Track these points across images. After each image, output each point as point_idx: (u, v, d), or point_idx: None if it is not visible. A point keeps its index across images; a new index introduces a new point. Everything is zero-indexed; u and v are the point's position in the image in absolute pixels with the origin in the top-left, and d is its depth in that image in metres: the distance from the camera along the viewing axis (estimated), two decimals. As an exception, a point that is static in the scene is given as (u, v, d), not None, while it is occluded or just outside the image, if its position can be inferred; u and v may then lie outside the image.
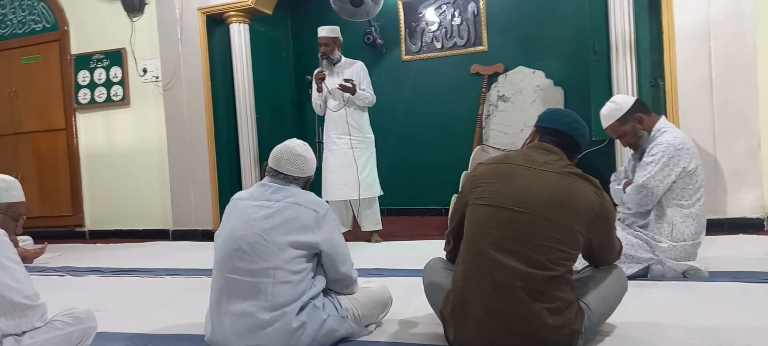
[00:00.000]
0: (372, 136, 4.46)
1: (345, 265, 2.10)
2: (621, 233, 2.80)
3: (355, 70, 4.33)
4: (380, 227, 4.44)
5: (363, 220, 4.40)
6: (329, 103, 4.36)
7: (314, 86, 4.35)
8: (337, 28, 4.38)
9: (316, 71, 4.34)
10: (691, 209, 2.72)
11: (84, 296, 3.20)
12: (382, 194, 4.50)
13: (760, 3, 3.74)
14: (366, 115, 4.43)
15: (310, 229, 1.97)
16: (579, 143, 1.90)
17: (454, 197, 1.91)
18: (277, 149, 2.11)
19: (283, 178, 2.06)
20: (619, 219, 2.93)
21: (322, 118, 4.48)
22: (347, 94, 4.22)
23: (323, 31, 4.33)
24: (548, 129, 1.90)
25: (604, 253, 1.92)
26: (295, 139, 2.17)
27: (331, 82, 4.31)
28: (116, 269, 3.90)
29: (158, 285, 3.42)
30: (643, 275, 2.75)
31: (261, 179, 2.15)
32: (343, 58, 4.40)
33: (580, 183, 1.77)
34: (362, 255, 3.78)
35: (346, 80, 4.22)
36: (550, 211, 1.70)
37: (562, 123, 1.89)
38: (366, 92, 4.32)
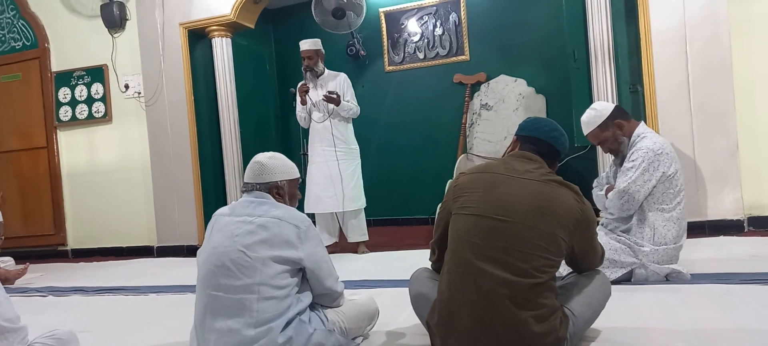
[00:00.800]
0: (357, 147, 4.46)
1: (329, 279, 2.09)
2: (604, 238, 2.83)
3: (338, 82, 4.34)
4: (367, 238, 4.43)
5: (349, 231, 4.40)
6: (314, 116, 4.36)
7: (298, 99, 4.35)
8: (319, 40, 4.39)
9: (299, 84, 4.35)
10: (672, 213, 2.75)
11: (67, 316, 3.15)
12: (365, 205, 4.50)
13: (734, 4, 3.82)
14: (351, 126, 4.44)
15: (293, 245, 1.95)
16: (559, 151, 1.93)
17: (439, 206, 1.92)
18: (252, 161, 2.14)
19: (251, 187, 2.07)
20: (601, 224, 2.96)
21: (306, 131, 4.48)
22: (332, 106, 4.23)
23: (305, 45, 4.34)
24: (528, 138, 1.93)
25: (587, 259, 1.94)
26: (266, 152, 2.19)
27: (315, 94, 4.32)
28: (100, 288, 3.85)
29: (143, 303, 3.38)
30: (626, 279, 2.77)
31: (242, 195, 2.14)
32: (327, 71, 4.41)
33: (561, 190, 1.80)
34: (349, 267, 3.77)
35: (330, 92, 4.22)
36: (532, 218, 1.72)
37: (541, 132, 1.91)
38: (350, 103, 4.32)
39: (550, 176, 1.83)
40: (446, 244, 1.86)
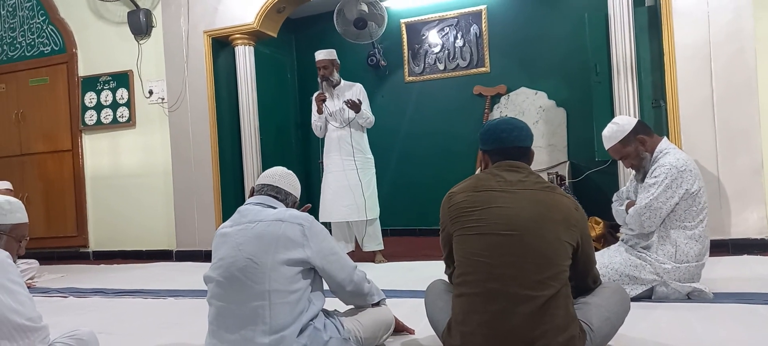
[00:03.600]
0: (372, 156, 4.47)
1: (342, 272, 2.04)
2: (624, 254, 2.81)
3: (354, 92, 4.37)
4: (382, 247, 4.43)
5: (365, 240, 4.40)
6: (330, 125, 4.39)
7: (314, 108, 4.38)
8: (334, 50, 4.42)
9: (316, 93, 4.38)
10: (695, 231, 2.71)
11: (87, 318, 3.20)
12: (379, 214, 4.50)
13: (760, 22, 3.77)
14: (366, 136, 4.45)
15: (299, 244, 1.93)
16: (530, 146, 1.89)
17: (440, 228, 1.89)
18: (267, 171, 2.19)
19: (273, 192, 2.08)
20: (622, 240, 2.92)
21: (323, 140, 4.50)
22: (350, 115, 4.25)
23: (320, 54, 4.37)
24: (498, 151, 1.87)
25: (589, 261, 1.89)
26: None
27: (332, 104, 4.35)
28: (120, 291, 3.90)
29: (161, 307, 3.42)
30: (647, 296, 2.73)
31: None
32: (343, 81, 4.43)
33: (554, 195, 1.78)
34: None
35: (346, 102, 4.25)
36: (535, 228, 1.70)
37: (506, 140, 1.86)
38: (367, 112, 4.34)
39: (541, 182, 1.82)
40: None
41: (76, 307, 3.55)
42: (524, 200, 1.74)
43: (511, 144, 1.86)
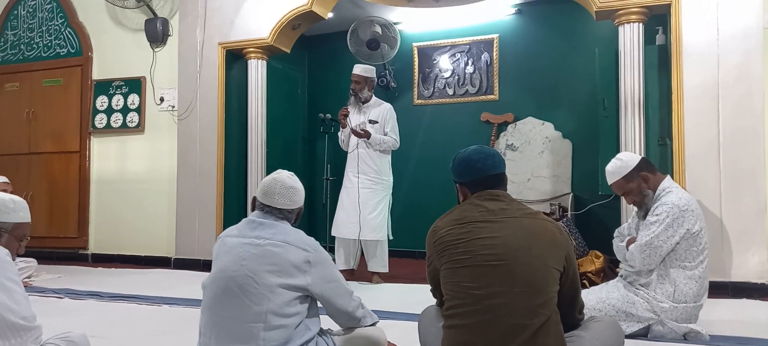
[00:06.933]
0: (390, 179, 4.48)
1: (341, 298, 2.02)
2: (622, 290, 2.79)
3: (381, 111, 4.41)
4: (386, 270, 4.42)
5: (370, 260, 4.40)
6: (350, 141, 4.43)
7: (341, 123, 4.45)
8: (373, 69, 4.52)
9: (341, 109, 4.44)
10: (695, 271, 2.69)
11: (81, 320, 3.20)
12: (390, 238, 4.49)
13: (768, 67, 3.78)
14: (388, 157, 4.47)
15: (301, 270, 1.90)
16: (504, 171, 1.88)
17: (426, 261, 1.87)
18: (267, 183, 2.04)
19: (276, 212, 2.00)
20: (620, 276, 2.91)
21: (333, 155, 4.54)
22: (356, 139, 4.30)
23: (358, 69, 4.45)
24: (474, 182, 1.86)
25: (575, 286, 1.85)
26: (282, 170, 2.10)
27: (357, 119, 4.39)
28: (115, 295, 3.90)
29: (156, 314, 3.42)
30: (643, 334, 2.71)
31: (252, 211, 2.08)
32: (373, 98, 4.48)
33: (538, 221, 1.77)
34: (361, 295, 3.74)
35: (371, 121, 4.29)
36: (522, 255, 1.68)
37: (481, 169, 1.85)
38: (388, 136, 4.37)
39: (523, 209, 1.80)
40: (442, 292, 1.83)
41: (71, 309, 3.55)
42: (509, 228, 1.73)
43: (487, 173, 1.85)
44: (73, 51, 5.82)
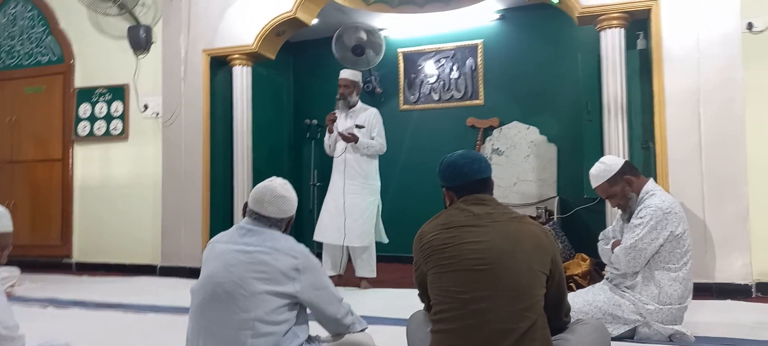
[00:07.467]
0: (377, 183, 4.48)
1: (330, 305, 2.01)
2: (608, 292, 2.81)
3: (368, 115, 4.41)
4: (374, 275, 4.41)
5: (357, 266, 4.39)
6: (337, 146, 4.42)
7: (328, 127, 4.43)
8: (360, 73, 4.53)
9: (329, 114, 4.42)
10: (679, 273, 2.72)
11: (65, 329, 3.15)
12: (386, 241, 4.50)
13: (750, 71, 3.83)
14: (375, 162, 4.47)
15: (289, 277, 1.89)
16: (490, 176, 1.89)
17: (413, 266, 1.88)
18: (258, 190, 2.03)
19: (265, 220, 2.00)
20: (606, 278, 2.93)
21: (318, 162, 4.53)
22: (343, 144, 4.30)
23: (346, 73, 4.46)
24: (461, 186, 1.87)
25: (562, 289, 1.87)
26: (276, 177, 2.09)
27: (343, 124, 4.38)
28: (100, 303, 3.86)
29: (141, 322, 3.38)
30: (629, 336, 2.73)
31: (243, 217, 2.07)
32: (360, 103, 4.49)
33: (523, 225, 1.78)
34: (349, 301, 3.74)
35: (357, 126, 4.29)
36: (507, 260, 1.69)
37: (467, 174, 1.86)
38: (375, 141, 4.37)
39: (509, 213, 1.82)
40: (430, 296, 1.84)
41: (55, 317, 3.50)
42: (494, 232, 1.74)
43: (473, 177, 1.86)
44: (54, 58, 5.76)
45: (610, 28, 4.11)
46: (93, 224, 5.58)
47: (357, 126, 4.33)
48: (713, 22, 3.86)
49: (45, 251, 5.66)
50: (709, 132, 3.85)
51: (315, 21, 5.21)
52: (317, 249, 4.66)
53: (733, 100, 3.81)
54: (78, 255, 5.63)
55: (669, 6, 3.95)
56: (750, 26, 3.85)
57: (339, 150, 4.40)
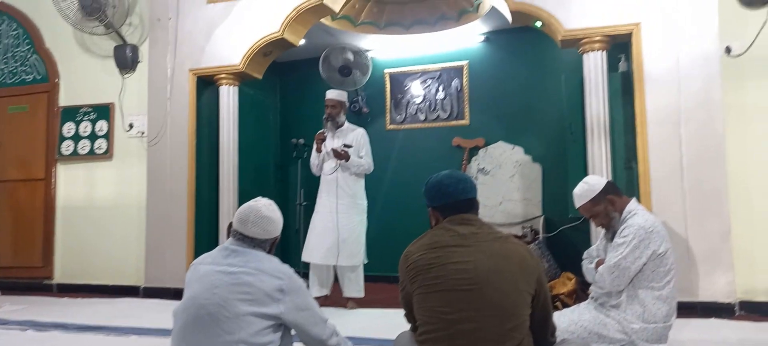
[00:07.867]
0: (365, 203, 4.48)
1: (315, 326, 2.01)
2: (593, 312, 2.82)
3: (356, 136, 4.43)
4: (362, 295, 4.39)
5: (345, 286, 4.37)
6: (325, 165, 4.42)
7: (314, 146, 4.43)
8: (346, 93, 4.56)
9: (318, 133, 4.42)
10: (662, 292, 2.74)
11: (46, 352, 3.10)
12: (366, 262, 4.48)
13: (728, 92, 3.91)
14: (362, 181, 4.48)
15: (274, 298, 1.89)
16: (476, 196, 1.91)
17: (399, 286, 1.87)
18: (242, 210, 2.03)
19: (249, 241, 1.99)
20: (592, 297, 2.95)
21: (304, 181, 4.52)
22: (336, 162, 4.30)
23: (332, 94, 4.48)
24: (446, 206, 1.88)
25: (547, 308, 1.87)
26: (261, 198, 2.09)
27: (331, 144, 4.39)
28: (82, 326, 3.79)
29: (123, 344, 3.32)
30: (614, 355, 2.74)
31: (228, 237, 2.06)
32: (347, 124, 4.50)
33: (508, 244, 1.78)
34: (336, 321, 3.69)
35: (346, 146, 4.30)
36: (494, 279, 1.70)
37: (453, 194, 1.87)
38: (363, 160, 4.39)
39: (494, 233, 1.82)
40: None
41: (35, 341, 3.44)
42: (480, 252, 1.74)
43: (459, 197, 1.87)
44: (39, 77, 5.71)
45: (592, 50, 4.18)
46: (76, 244, 5.50)
47: (345, 145, 4.35)
48: (692, 45, 3.95)
49: (26, 273, 5.55)
50: (690, 150, 3.91)
51: (302, 42, 5.24)
52: (303, 269, 4.64)
53: (712, 119, 3.88)
54: (60, 276, 5.54)
55: (649, 29, 4.04)
56: (728, 50, 3.94)
57: (329, 169, 4.40)
